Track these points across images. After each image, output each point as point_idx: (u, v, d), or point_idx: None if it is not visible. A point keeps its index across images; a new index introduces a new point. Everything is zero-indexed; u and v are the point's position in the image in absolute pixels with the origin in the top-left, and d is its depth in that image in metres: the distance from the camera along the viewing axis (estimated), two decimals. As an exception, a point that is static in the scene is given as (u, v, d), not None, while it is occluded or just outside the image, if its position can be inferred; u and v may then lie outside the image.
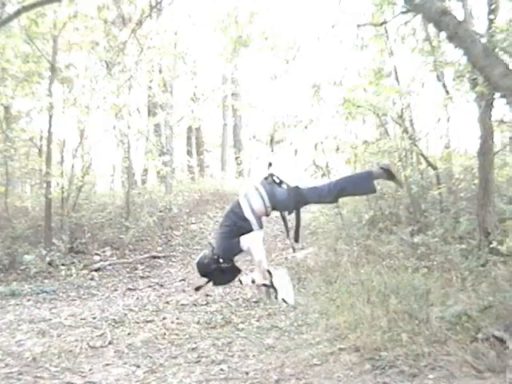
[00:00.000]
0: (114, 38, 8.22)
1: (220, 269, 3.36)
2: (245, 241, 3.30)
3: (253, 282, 3.36)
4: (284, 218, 3.65)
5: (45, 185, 8.81)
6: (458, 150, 8.00)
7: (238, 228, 3.33)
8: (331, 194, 3.44)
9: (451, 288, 4.63)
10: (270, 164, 3.71)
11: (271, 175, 3.54)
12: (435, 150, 8.16)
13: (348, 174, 3.75)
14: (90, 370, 3.93)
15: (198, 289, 3.77)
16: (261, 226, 3.40)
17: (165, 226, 10.04)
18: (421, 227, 6.61)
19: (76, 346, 4.44)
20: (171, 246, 9.33)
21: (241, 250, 3.37)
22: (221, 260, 3.33)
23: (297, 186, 3.45)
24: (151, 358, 4.18)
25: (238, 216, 3.36)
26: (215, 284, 3.71)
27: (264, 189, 3.42)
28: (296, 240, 3.60)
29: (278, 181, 3.49)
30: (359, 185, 3.43)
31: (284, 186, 3.49)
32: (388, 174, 3.40)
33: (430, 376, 3.25)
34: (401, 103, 7.48)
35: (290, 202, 3.41)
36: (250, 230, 3.34)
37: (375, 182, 3.52)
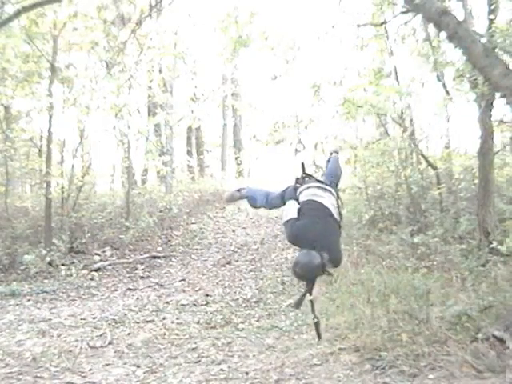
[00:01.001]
0: (113, 38, 8.22)
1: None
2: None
3: None
4: None
5: (45, 185, 8.81)
6: (458, 149, 8.00)
7: (338, 224, 3.34)
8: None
9: (451, 288, 4.64)
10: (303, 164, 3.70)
11: (309, 175, 3.62)
12: (435, 150, 8.17)
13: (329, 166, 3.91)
14: (90, 369, 3.93)
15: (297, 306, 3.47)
16: None
17: (165, 226, 10.03)
18: (421, 227, 6.61)
19: (76, 346, 4.44)
20: (171, 246, 9.32)
21: None
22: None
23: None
24: (151, 358, 4.18)
25: (334, 217, 3.32)
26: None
27: (331, 187, 3.51)
28: None
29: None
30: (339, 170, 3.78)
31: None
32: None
33: (430, 376, 3.25)
34: (401, 103, 7.48)
35: None
36: None
37: None
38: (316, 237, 3.08)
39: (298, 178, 3.61)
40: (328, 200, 3.35)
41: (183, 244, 9.39)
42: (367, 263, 5.97)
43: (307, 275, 3.08)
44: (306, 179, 3.59)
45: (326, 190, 3.44)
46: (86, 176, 9.44)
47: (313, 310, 3.20)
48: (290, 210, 3.42)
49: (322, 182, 3.55)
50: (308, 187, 3.46)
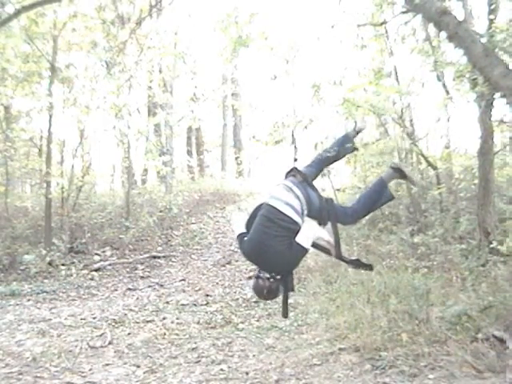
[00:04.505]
0: (113, 38, 8.22)
1: (285, 284, 2.96)
2: (305, 238, 2.89)
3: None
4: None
5: (45, 185, 8.82)
6: (458, 149, 7.99)
7: (293, 232, 2.89)
8: (354, 216, 3.23)
9: (451, 288, 4.63)
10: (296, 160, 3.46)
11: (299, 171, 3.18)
12: (435, 150, 8.15)
13: (363, 193, 3.35)
14: (90, 369, 3.93)
15: None
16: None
17: (165, 226, 10.04)
18: (421, 227, 6.61)
19: (76, 346, 4.45)
20: (171, 246, 9.33)
21: (306, 251, 2.94)
22: (278, 277, 2.89)
23: (331, 199, 3.17)
24: (151, 357, 4.18)
25: (287, 224, 2.90)
26: (291, 292, 3.13)
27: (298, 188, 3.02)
28: (338, 257, 3.15)
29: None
30: (376, 196, 3.21)
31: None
32: (399, 172, 3.28)
33: (430, 376, 3.25)
34: (401, 103, 7.47)
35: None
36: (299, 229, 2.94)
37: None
38: (257, 256, 2.90)
39: (287, 173, 3.21)
40: (286, 201, 2.91)
41: (183, 244, 9.39)
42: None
43: (265, 297, 3.03)
44: (292, 176, 3.15)
45: (291, 190, 2.98)
46: (85, 176, 9.44)
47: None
48: (237, 222, 3.20)
49: (303, 181, 3.09)
50: (276, 185, 3.06)
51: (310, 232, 2.93)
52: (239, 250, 3.18)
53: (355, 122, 3.53)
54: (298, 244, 2.85)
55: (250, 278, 3.15)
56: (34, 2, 5.35)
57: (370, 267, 3.24)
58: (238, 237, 3.12)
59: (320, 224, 3.11)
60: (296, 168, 3.22)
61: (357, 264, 3.25)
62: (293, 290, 3.09)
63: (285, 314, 3.20)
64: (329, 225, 3.12)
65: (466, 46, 3.19)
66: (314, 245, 3.02)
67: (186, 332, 4.83)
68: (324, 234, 3.02)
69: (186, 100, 13.36)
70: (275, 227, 2.86)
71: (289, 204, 2.92)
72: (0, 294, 6.52)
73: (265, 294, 2.91)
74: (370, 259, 6.15)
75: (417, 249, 6.00)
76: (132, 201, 9.85)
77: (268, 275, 2.86)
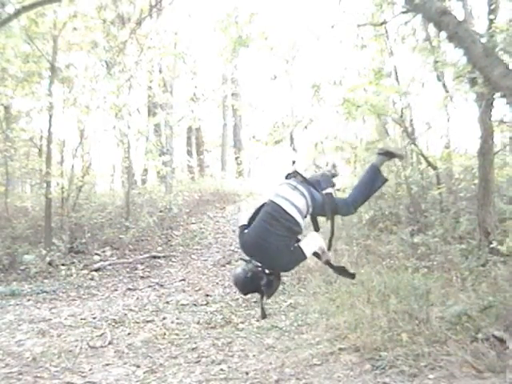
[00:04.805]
0: (113, 38, 8.23)
1: (269, 281, 2.92)
2: (309, 246, 2.95)
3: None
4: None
5: (45, 185, 8.82)
6: (458, 149, 7.99)
7: (294, 233, 2.95)
8: (355, 205, 3.30)
9: (451, 288, 4.64)
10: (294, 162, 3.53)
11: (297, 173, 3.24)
12: (435, 150, 8.16)
13: (358, 182, 3.39)
14: (90, 369, 3.93)
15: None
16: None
17: (165, 226, 10.03)
18: (421, 227, 6.61)
19: (76, 346, 4.44)
20: (171, 246, 9.32)
21: (305, 258, 2.97)
22: (267, 271, 2.89)
23: (330, 193, 3.22)
24: (151, 357, 4.18)
25: (291, 223, 2.93)
26: (268, 297, 3.12)
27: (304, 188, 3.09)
28: (329, 248, 3.22)
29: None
30: (371, 182, 3.30)
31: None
32: (388, 154, 3.36)
33: (430, 376, 3.25)
34: (401, 103, 7.48)
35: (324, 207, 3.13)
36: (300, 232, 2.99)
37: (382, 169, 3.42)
38: (255, 250, 2.91)
39: (287, 175, 3.27)
40: (292, 201, 2.97)
41: (183, 244, 9.39)
42: (367, 263, 5.97)
43: (241, 289, 3.03)
44: (292, 177, 3.21)
45: (296, 188, 3.04)
46: (85, 176, 9.44)
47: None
48: (242, 214, 3.27)
49: (304, 180, 3.16)
50: (280, 184, 3.12)
51: (315, 241, 3.01)
52: (238, 240, 3.22)
53: (333, 165, 3.58)
54: (300, 248, 2.90)
55: (241, 259, 3.14)
56: (34, 1, 5.36)
57: (352, 276, 3.31)
58: (239, 227, 3.16)
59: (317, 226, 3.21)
60: (296, 170, 3.28)
61: (341, 271, 3.29)
62: (268, 297, 3.10)
63: (264, 315, 3.24)
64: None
65: (465, 46, 3.19)
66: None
67: (186, 332, 4.83)
68: (323, 244, 3.08)
69: (185, 100, 13.36)
70: (278, 226, 2.90)
71: (294, 205, 2.97)
72: (0, 293, 6.52)
73: (248, 277, 2.87)
74: (369, 259, 6.16)
75: (417, 249, 6.01)
76: (132, 201, 9.85)
77: (259, 264, 2.89)
